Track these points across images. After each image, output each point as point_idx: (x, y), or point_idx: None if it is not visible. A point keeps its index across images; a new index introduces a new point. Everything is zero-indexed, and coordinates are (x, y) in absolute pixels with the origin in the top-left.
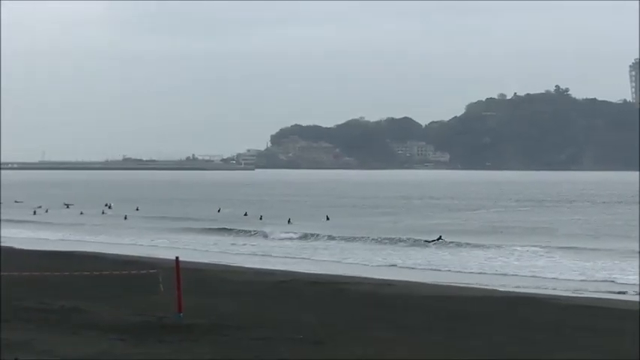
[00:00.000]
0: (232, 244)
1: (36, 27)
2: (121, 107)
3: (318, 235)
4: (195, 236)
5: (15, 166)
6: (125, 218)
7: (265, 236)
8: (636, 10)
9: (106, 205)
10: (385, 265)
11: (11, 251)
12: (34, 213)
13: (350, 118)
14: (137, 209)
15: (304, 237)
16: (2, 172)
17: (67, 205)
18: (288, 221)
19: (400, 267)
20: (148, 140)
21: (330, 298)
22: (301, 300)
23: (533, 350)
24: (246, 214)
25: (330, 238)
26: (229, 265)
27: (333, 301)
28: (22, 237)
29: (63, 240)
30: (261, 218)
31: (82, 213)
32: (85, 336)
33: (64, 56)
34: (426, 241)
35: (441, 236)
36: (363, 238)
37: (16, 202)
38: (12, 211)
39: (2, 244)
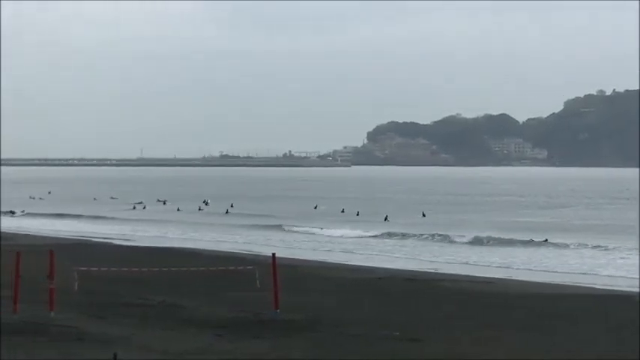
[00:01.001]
0: (327, 241)
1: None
2: (217, 104)
3: (413, 233)
4: (291, 232)
5: (113, 162)
6: (227, 212)
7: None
8: None
9: (204, 201)
10: (483, 264)
11: (111, 247)
12: (134, 208)
13: (447, 115)
14: (232, 206)
15: (388, 235)
16: (100, 168)
17: (164, 202)
18: (385, 218)
19: (498, 265)
20: (245, 137)
21: (427, 295)
22: (397, 297)
23: (624, 349)
24: (343, 211)
25: (426, 235)
26: (325, 262)
27: (429, 298)
28: (121, 233)
29: (161, 236)
30: (358, 214)
31: (178, 209)
32: (183, 331)
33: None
34: (532, 240)
35: (547, 239)
36: (460, 235)
37: (111, 198)
38: (108, 208)
39: (102, 240)
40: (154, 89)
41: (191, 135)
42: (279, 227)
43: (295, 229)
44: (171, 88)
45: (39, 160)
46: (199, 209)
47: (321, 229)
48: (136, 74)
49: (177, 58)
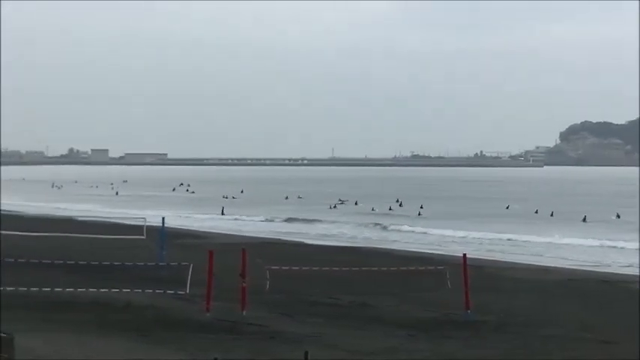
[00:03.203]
0: (518, 245)
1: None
2: (407, 104)
3: (606, 236)
4: (482, 233)
5: (305, 162)
6: (419, 214)
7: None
8: None
9: (397, 201)
10: None
11: (302, 246)
12: (330, 207)
13: None
14: (422, 207)
15: (579, 236)
16: (292, 168)
17: (355, 202)
18: (584, 219)
19: None
20: (436, 137)
21: (621, 296)
22: (589, 298)
23: None
24: (536, 212)
25: (618, 238)
26: (512, 262)
27: (623, 299)
28: (311, 232)
29: (351, 236)
30: (552, 215)
31: (373, 209)
32: (373, 331)
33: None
34: None
35: None
36: None
37: (299, 197)
38: (298, 207)
39: (293, 240)
40: (344, 90)
41: (382, 135)
42: (470, 227)
43: (478, 233)
44: (359, 88)
45: (232, 159)
46: (390, 209)
47: (517, 228)
48: (333, 76)
49: (369, 57)
